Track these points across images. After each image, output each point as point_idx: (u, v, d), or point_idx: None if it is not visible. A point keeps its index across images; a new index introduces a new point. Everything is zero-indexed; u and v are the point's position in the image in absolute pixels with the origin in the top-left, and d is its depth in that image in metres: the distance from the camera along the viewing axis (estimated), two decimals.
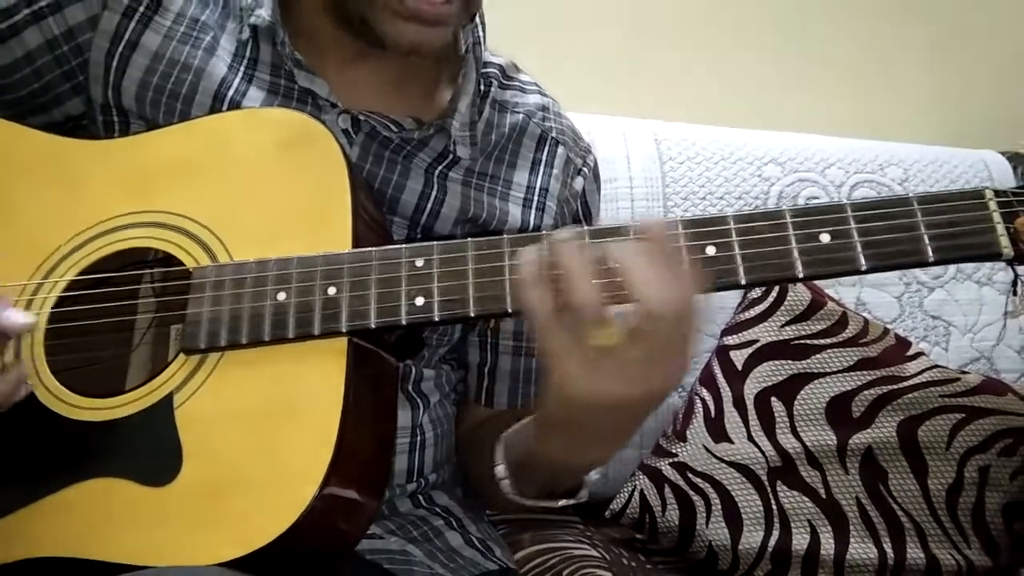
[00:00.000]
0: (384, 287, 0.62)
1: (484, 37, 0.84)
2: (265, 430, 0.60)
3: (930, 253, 0.56)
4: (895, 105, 1.63)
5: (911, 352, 1.18)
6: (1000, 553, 1.10)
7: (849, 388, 1.15)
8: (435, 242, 0.62)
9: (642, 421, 0.61)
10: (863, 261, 0.56)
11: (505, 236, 0.61)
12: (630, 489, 1.16)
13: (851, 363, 1.16)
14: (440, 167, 0.79)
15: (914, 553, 1.09)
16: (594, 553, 1.06)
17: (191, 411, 0.61)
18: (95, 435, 0.62)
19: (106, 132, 0.77)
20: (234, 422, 0.60)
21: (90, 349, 0.67)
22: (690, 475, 1.15)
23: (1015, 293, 0.59)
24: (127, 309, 0.68)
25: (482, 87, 0.84)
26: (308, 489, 0.57)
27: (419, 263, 0.62)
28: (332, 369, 0.61)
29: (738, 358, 1.19)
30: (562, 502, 0.71)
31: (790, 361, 1.17)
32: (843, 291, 1.28)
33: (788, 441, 1.14)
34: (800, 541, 1.10)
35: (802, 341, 1.18)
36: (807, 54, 1.61)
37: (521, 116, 0.85)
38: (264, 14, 0.75)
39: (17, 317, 0.62)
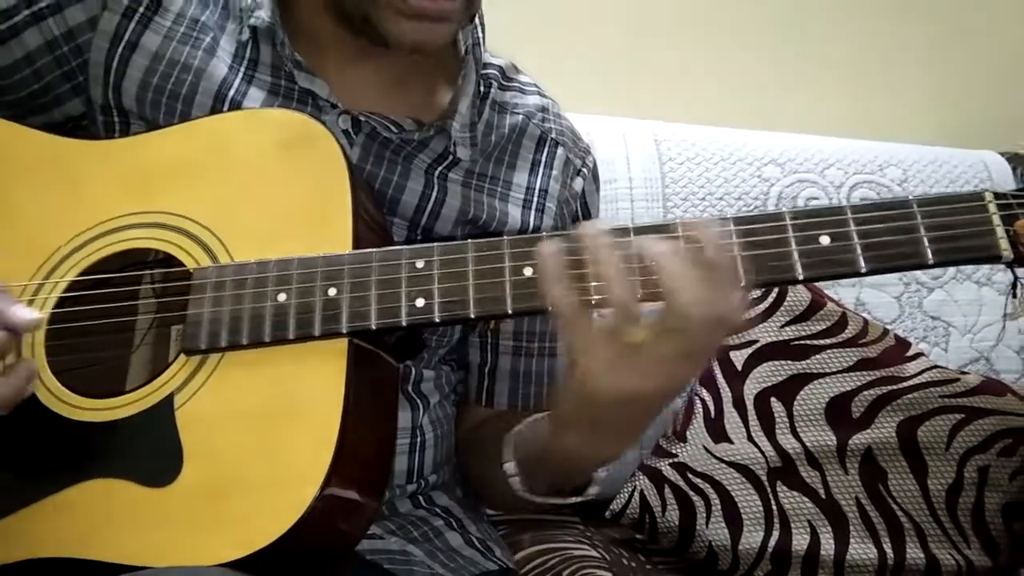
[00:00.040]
0: (384, 288, 0.62)
1: (484, 38, 0.84)
2: (266, 431, 0.60)
3: (930, 255, 0.56)
4: (894, 105, 1.63)
5: (911, 352, 1.18)
6: (1000, 553, 1.10)
7: (849, 388, 1.15)
8: (435, 243, 0.63)
9: (656, 415, 0.61)
10: (863, 263, 0.56)
11: (505, 238, 0.61)
12: (630, 489, 1.16)
13: (851, 363, 1.16)
14: (440, 168, 0.79)
15: (914, 553, 1.09)
16: (594, 553, 1.06)
17: (192, 412, 0.61)
18: (96, 436, 0.62)
19: (106, 133, 0.77)
20: (235, 423, 0.60)
21: (91, 350, 0.67)
22: (690, 475, 1.15)
23: (1015, 295, 0.59)
24: (128, 310, 0.68)
25: (482, 88, 0.84)
26: (309, 490, 0.57)
27: (419, 264, 0.62)
28: (333, 370, 0.61)
29: (738, 358, 1.19)
30: (571, 499, 0.71)
31: (790, 361, 1.18)
32: (843, 292, 1.28)
33: (788, 441, 1.14)
34: (800, 541, 1.11)
35: (802, 341, 1.18)
36: (806, 54, 1.61)
37: (521, 117, 0.85)
38: (263, 15, 0.75)
39: (25, 313, 0.61)
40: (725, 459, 1.15)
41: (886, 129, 1.49)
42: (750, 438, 1.15)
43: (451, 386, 0.86)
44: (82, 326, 0.66)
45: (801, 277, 0.57)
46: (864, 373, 1.16)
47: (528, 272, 0.60)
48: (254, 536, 0.56)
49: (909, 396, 1.14)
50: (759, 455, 1.14)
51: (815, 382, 1.16)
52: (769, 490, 1.13)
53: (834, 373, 1.16)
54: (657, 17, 1.57)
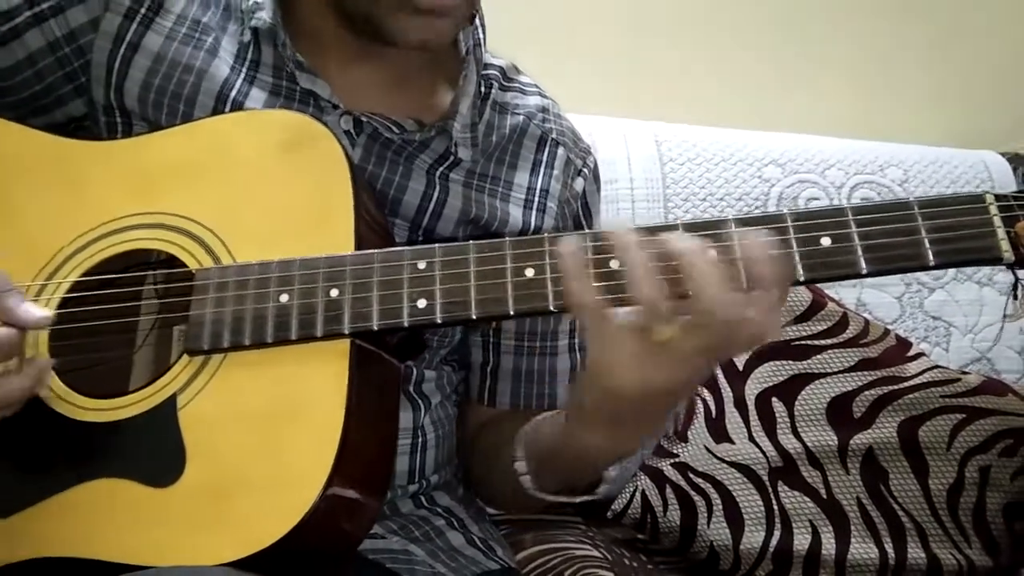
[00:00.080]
0: (386, 289, 0.62)
1: (484, 39, 0.84)
2: (268, 431, 0.60)
3: (930, 257, 0.56)
4: (895, 105, 1.63)
5: (912, 353, 1.18)
6: (1001, 553, 1.10)
7: (850, 388, 1.15)
8: (437, 244, 0.63)
9: (674, 408, 0.61)
10: (864, 265, 0.56)
11: (507, 239, 0.62)
12: (631, 489, 1.16)
13: (852, 364, 1.16)
14: (441, 168, 0.79)
15: (915, 553, 1.10)
16: (596, 553, 1.06)
17: (194, 412, 0.61)
18: (99, 436, 0.62)
19: (108, 133, 0.77)
20: (237, 423, 0.60)
21: (94, 350, 0.67)
22: (691, 475, 1.15)
23: (1015, 297, 0.59)
24: (130, 310, 0.68)
25: (483, 89, 0.84)
26: (312, 490, 0.57)
27: (421, 265, 0.62)
28: (335, 370, 0.61)
29: (739, 359, 1.19)
30: (582, 497, 0.71)
31: (791, 362, 1.18)
32: (844, 292, 1.28)
33: (789, 441, 1.14)
34: (801, 541, 1.11)
35: (803, 342, 1.18)
36: (806, 54, 1.61)
37: (521, 117, 0.85)
38: (265, 16, 0.75)
39: (35, 311, 0.61)
40: (726, 459, 1.15)
41: (886, 129, 1.49)
42: (751, 438, 1.15)
43: (452, 386, 0.86)
44: (85, 326, 0.66)
45: (802, 278, 0.57)
46: (865, 373, 1.16)
47: (530, 273, 0.60)
48: (257, 536, 0.56)
49: (910, 396, 1.14)
50: (760, 455, 1.14)
51: (816, 382, 1.16)
52: (770, 490, 1.13)
53: (835, 373, 1.16)
54: (657, 18, 1.57)
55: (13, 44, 0.76)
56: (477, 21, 0.83)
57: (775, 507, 1.12)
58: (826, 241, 0.57)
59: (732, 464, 1.15)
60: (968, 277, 1.34)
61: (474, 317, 0.61)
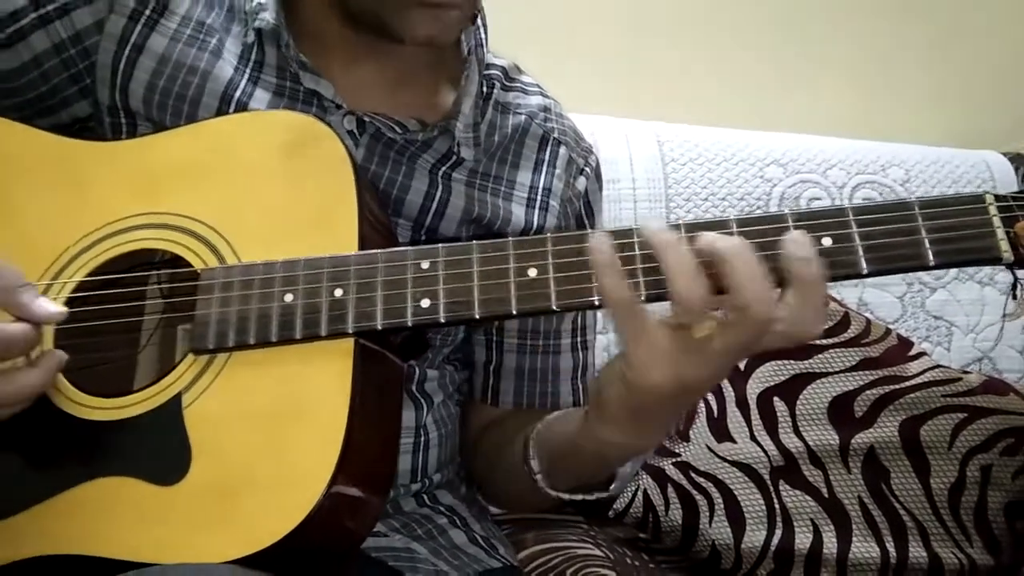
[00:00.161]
0: (390, 289, 0.62)
1: (486, 39, 0.85)
2: (273, 430, 0.60)
3: (931, 257, 0.56)
4: (895, 105, 1.64)
5: (913, 352, 1.18)
6: (1002, 552, 1.10)
7: (851, 388, 1.15)
8: (440, 244, 0.63)
9: (696, 402, 0.61)
10: (864, 264, 0.56)
11: (510, 239, 0.62)
12: (633, 489, 1.16)
13: (853, 363, 1.17)
14: (444, 168, 0.80)
15: (916, 552, 1.10)
16: (598, 552, 1.06)
17: (199, 411, 0.61)
18: (105, 434, 0.62)
19: (113, 134, 0.77)
20: (242, 422, 0.61)
21: (99, 349, 0.67)
22: (693, 475, 1.15)
23: (1015, 297, 0.60)
24: (135, 310, 0.69)
25: (485, 89, 0.84)
26: (316, 488, 0.57)
27: (424, 265, 0.62)
28: (339, 370, 0.61)
29: None
30: (595, 495, 0.71)
31: (792, 361, 1.18)
32: (845, 291, 1.28)
33: (790, 441, 1.15)
34: (803, 540, 1.11)
35: None
36: (807, 54, 1.61)
37: (523, 117, 0.85)
38: (268, 17, 0.75)
39: (49, 306, 0.61)
40: (728, 458, 1.15)
41: (886, 129, 1.49)
42: (753, 437, 1.16)
43: (455, 385, 0.86)
44: (90, 326, 0.66)
45: None
46: (866, 373, 1.16)
47: (532, 273, 0.60)
48: (261, 534, 0.56)
49: (911, 395, 1.14)
50: (762, 454, 1.15)
51: (818, 381, 1.17)
52: (772, 489, 1.14)
53: (837, 373, 1.16)
54: (658, 18, 1.57)
55: (19, 46, 0.76)
56: (479, 21, 0.83)
57: (776, 506, 1.13)
58: (827, 241, 0.57)
59: (734, 463, 1.15)
60: (970, 277, 1.34)
61: (477, 317, 0.61)
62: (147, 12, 0.77)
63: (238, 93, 0.75)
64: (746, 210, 1.32)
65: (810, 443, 1.14)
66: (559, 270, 0.60)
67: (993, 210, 0.56)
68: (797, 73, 1.61)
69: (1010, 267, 0.57)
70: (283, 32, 0.75)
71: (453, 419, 0.86)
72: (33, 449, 0.63)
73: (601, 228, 0.62)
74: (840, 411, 1.15)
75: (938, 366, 1.17)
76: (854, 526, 1.11)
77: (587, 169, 0.88)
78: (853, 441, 1.13)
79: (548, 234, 0.61)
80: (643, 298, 0.57)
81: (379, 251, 0.63)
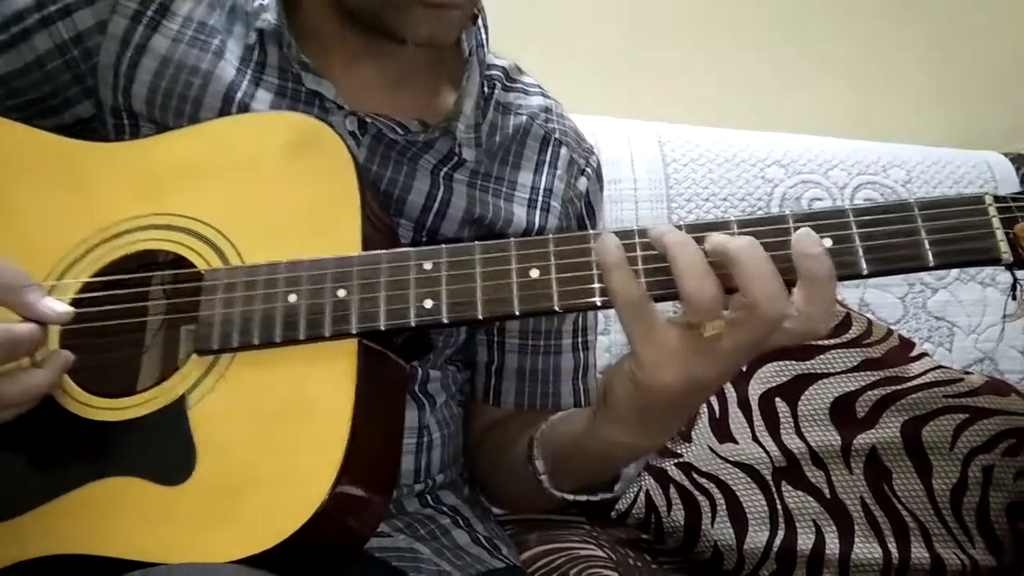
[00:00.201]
0: (393, 289, 0.62)
1: (487, 40, 0.85)
2: (277, 430, 0.60)
3: (930, 258, 0.56)
4: (895, 105, 1.64)
5: (915, 353, 1.19)
6: (1004, 552, 1.10)
7: (853, 388, 1.16)
8: (443, 245, 0.63)
9: (704, 402, 0.60)
10: (864, 265, 0.57)
11: (512, 240, 0.62)
12: (636, 490, 1.16)
13: (855, 364, 1.17)
14: (445, 169, 0.80)
15: (919, 553, 1.10)
16: (600, 553, 1.06)
17: (204, 411, 0.62)
18: (110, 435, 0.62)
19: (116, 135, 0.77)
20: (246, 422, 0.61)
21: (103, 350, 0.67)
22: (695, 475, 1.15)
23: (1014, 298, 0.60)
24: (139, 311, 0.69)
25: (486, 89, 0.84)
26: (320, 488, 0.57)
27: (427, 266, 0.62)
28: (343, 370, 0.61)
29: None
30: (600, 495, 0.72)
31: (794, 362, 1.18)
32: (847, 292, 1.28)
33: (792, 441, 1.15)
34: (805, 541, 1.11)
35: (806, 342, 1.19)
36: (807, 54, 1.61)
37: (524, 118, 0.85)
38: (270, 18, 0.76)
39: (56, 306, 0.61)
40: (730, 459, 1.15)
41: (886, 129, 1.49)
42: (755, 438, 1.16)
43: (457, 386, 0.87)
44: (95, 327, 0.66)
45: None
46: (868, 373, 1.16)
47: (535, 274, 0.60)
48: (266, 534, 0.57)
49: (913, 396, 1.14)
50: (764, 455, 1.15)
51: (819, 382, 1.17)
52: (774, 490, 1.14)
53: (838, 373, 1.17)
54: (658, 18, 1.58)
55: (22, 46, 0.76)
56: (480, 21, 0.84)
57: (779, 507, 1.13)
58: (828, 242, 0.57)
59: (736, 464, 1.15)
60: (971, 277, 1.34)
61: (480, 317, 0.61)
62: (149, 13, 0.77)
63: (240, 94, 0.76)
64: (748, 210, 1.32)
65: (812, 444, 1.14)
66: (561, 271, 0.60)
67: (993, 211, 0.56)
68: (797, 73, 1.61)
69: (1010, 268, 0.57)
70: (285, 33, 0.75)
71: (456, 419, 0.86)
72: (39, 449, 0.64)
73: (604, 229, 0.62)
74: (842, 412, 1.15)
75: (940, 367, 1.18)
76: (856, 527, 1.11)
77: (588, 170, 0.88)
78: (855, 442, 1.13)
79: (550, 235, 0.61)
80: (655, 298, 0.57)
81: (382, 252, 0.63)
